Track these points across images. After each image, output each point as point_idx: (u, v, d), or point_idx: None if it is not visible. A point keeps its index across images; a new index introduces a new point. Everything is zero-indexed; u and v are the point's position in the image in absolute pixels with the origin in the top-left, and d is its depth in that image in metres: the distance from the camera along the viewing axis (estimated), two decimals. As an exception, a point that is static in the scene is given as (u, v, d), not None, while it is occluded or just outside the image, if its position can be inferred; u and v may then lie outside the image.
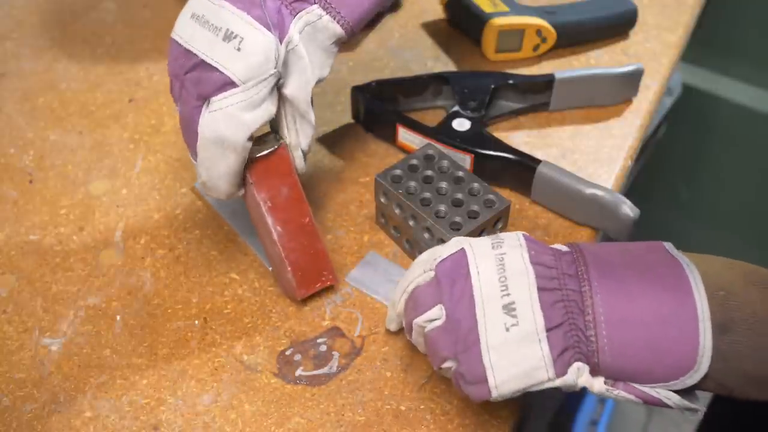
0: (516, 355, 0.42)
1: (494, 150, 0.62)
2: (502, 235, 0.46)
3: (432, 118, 0.69)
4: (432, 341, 0.45)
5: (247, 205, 0.55)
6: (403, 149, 0.67)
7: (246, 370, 0.53)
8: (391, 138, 0.67)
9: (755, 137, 1.31)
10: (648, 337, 0.41)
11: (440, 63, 0.76)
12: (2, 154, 0.68)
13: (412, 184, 0.57)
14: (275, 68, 0.49)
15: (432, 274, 0.46)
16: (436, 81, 0.69)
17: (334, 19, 0.52)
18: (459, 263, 0.44)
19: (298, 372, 0.52)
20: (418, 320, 0.46)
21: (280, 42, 0.49)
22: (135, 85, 0.74)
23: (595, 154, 0.67)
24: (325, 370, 0.53)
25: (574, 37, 0.77)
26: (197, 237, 0.61)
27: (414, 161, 0.59)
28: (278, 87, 0.51)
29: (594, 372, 0.42)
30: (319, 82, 0.53)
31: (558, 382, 0.42)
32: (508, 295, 0.42)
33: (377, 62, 0.76)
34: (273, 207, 0.52)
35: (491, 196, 0.56)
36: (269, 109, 0.50)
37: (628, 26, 0.79)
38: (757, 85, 1.30)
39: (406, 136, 0.65)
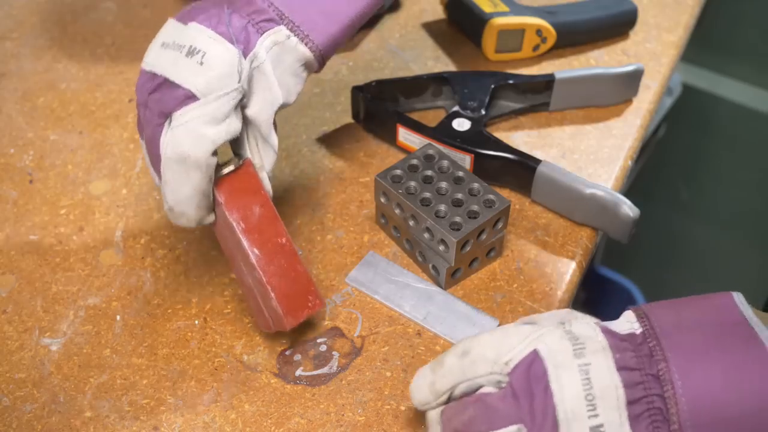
0: None
1: (494, 150, 0.62)
2: (577, 329, 0.43)
3: (432, 118, 0.69)
4: None
5: (219, 236, 0.52)
6: (403, 149, 0.67)
7: (246, 370, 0.53)
8: (391, 138, 0.67)
9: (755, 137, 1.31)
10: None
11: (440, 63, 0.76)
12: (2, 154, 0.68)
13: (412, 184, 0.57)
14: (239, 83, 0.48)
15: (503, 379, 0.42)
16: (436, 81, 0.69)
17: (303, 41, 0.51)
18: (536, 373, 0.41)
19: (298, 372, 0.52)
20: None
21: (245, 57, 0.48)
22: (135, 85, 0.74)
23: (595, 154, 0.67)
24: (325, 370, 0.53)
25: (574, 37, 0.77)
26: (197, 237, 0.61)
27: (414, 161, 0.59)
28: (241, 107, 0.49)
29: None
30: (283, 106, 0.52)
31: None
32: (596, 416, 0.40)
33: (377, 62, 0.76)
34: (247, 228, 0.50)
35: (491, 196, 0.56)
36: (233, 125, 0.48)
37: (628, 26, 0.79)
38: (757, 85, 1.30)
39: (406, 136, 0.65)
